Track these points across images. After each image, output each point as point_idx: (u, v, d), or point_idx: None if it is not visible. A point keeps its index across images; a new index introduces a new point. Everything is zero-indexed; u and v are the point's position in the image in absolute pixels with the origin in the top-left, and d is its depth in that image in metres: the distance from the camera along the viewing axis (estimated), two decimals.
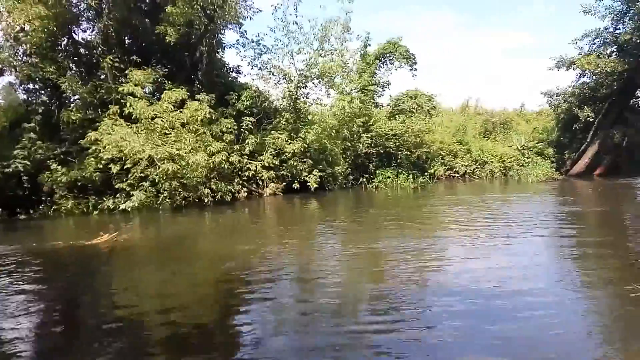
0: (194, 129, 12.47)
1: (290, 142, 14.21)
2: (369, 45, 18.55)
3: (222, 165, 12.65)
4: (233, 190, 13.43)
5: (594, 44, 17.54)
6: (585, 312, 3.84)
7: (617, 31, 17.07)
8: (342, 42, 16.32)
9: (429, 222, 9.24)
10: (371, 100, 18.11)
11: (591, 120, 16.70)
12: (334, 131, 15.68)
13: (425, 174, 17.75)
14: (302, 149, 14.42)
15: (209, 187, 12.50)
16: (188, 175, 11.77)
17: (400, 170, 17.33)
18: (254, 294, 4.72)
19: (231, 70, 16.94)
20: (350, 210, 12.56)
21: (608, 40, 17.03)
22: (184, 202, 12.24)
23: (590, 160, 16.86)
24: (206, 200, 12.30)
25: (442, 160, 18.64)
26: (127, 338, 3.74)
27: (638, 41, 16.06)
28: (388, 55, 18.79)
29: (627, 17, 16.41)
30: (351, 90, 17.92)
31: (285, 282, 5.17)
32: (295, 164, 14.55)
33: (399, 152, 17.50)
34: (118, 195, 11.91)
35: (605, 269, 4.98)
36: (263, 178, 14.06)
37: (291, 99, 15.29)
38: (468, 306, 3.92)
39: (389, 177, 17.15)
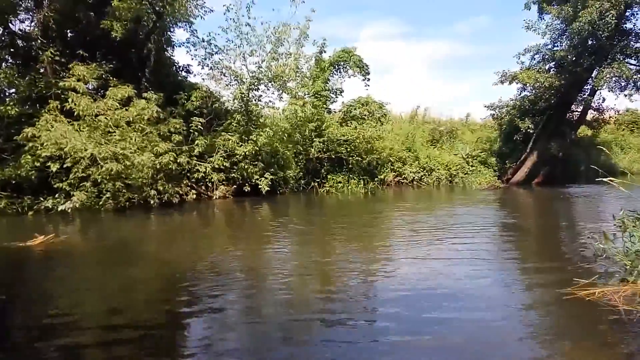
0: (140, 128, 12.01)
1: (242, 145, 14.00)
2: (325, 51, 18.69)
3: (170, 166, 12.26)
4: (181, 192, 13.07)
5: (534, 59, 18.53)
6: (522, 313, 3.97)
7: (555, 48, 18.12)
8: (297, 47, 16.34)
9: (379, 227, 9.37)
10: (324, 105, 18.23)
11: (531, 131, 17.60)
12: (286, 135, 15.60)
13: (376, 179, 18.05)
14: (254, 152, 14.24)
15: (155, 189, 12.08)
16: (133, 175, 11.32)
17: (351, 176, 17.53)
18: (198, 299, 4.57)
19: (181, 69, 16.54)
20: (301, 214, 12.53)
21: (547, 57, 18.03)
22: (127, 203, 11.74)
23: (529, 169, 17.77)
24: (152, 202, 11.88)
25: (392, 167, 19.00)
26: (59, 348, 3.50)
27: (573, 58, 17.10)
28: (342, 63, 18.99)
29: (564, 36, 17.45)
30: (304, 94, 17.96)
31: (231, 290, 4.94)
32: (246, 166, 14.34)
33: (350, 158, 17.69)
34: (57, 195, 11.25)
35: (541, 273, 5.24)
36: (213, 180, 13.76)
37: (243, 100, 15.07)
38: (411, 310, 4.01)
39: (340, 182, 17.30)
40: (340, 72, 19.47)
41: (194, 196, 13.40)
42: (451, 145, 21.02)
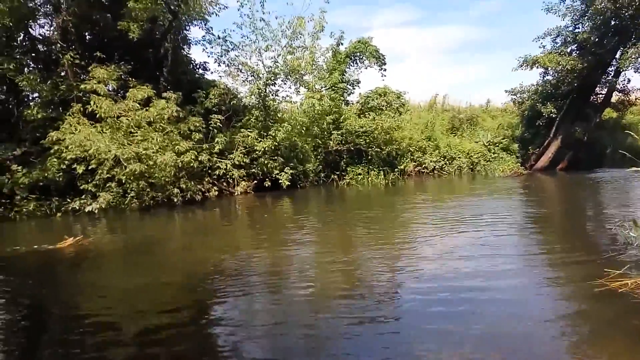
0: (160, 128, 12.15)
1: (261, 140, 14.04)
2: (342, 44, 18.55)
3: (191, 164, 12.39)
4: (203, 190, 13.21)
5: (556, 42, 18.08)
6: (553, 307, 3.89)
7: (577, 30, 17.64)
8: (313, 40, 16.27)
9: (400, 220, 9.29)
10: (341, 97, 18.10)
11: (554, 116, 17.22)
12: (304, 128, 15.58)
13: (396, 170, 17.91)
14: (273, 147, 14.28)
15: (178, 187, 12.22)
16: (156, 175, 11.46)
17: (371, 167, 17.44)
18: (227, 300, 4.61)
19: (198, 67, 16.62)
20: (322, 208, 12.53)
21: (569, 39, 17.57)
22: (152, 202, 11.90)
23: (553, 155, 17.40)
24: (175, 200, 12.03)
25: (412, 157, 18.84)
26: (96, 349, 3.57)
27: (596, 40, 16.64)
28: (359, 54, 18.81)
29: (586, 17, 16.96)
30: (321, 87, 17.88)
31: (256, 289, 4.98)
32: (266, 162, 14.40)
33: (369, 149, 17.58)
34: (83, 196, 11.49)
35: (571, 264, 5.12)
36: (234, 176, 13.85)
37: (260, 96, 15.10)
38: (438, 305, 3.98)
39: (359, 174, 17.23)
40: (356, 63, 19.28)
41: (216, 193, 13.48)
42: (472, 133, 20.71)
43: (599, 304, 3.78)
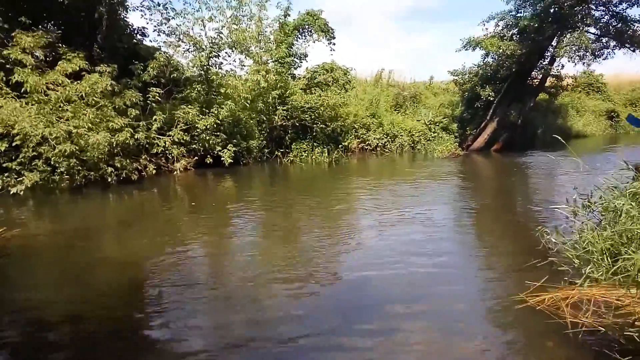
0: (93, 102, 11.42)
1: (202, 118, 13.57)
2: (289, 15, 18.02)
3: (127, 142, 11.81)
4: (140, 167, 12.69)
5: (499, 26, 18.48)
6: (468, 326, 4.10)
7: (519, 15, 18.09)
8: (260, 10, 15.74)
9: (344, 208, 9.45)
10: (288, 72, 17.75)
11: (491, 99, 17.84)
12: (248, 102, 15.23)
13: (340, 146, 18.04)
14: (215, 125, 13.86)
15: (112, 165, 11.66)
16: (88, 153, 10.84)
17: (315, 143, 17.42)
18: (169, 297, 4.59)
19: (136, 32, 15.62)
20: (265, 187, 12.55)
21: (510, 24, 18.02)
22: (84, 181, 11.29)
23: (489, 136, 18.15)
24: (109, 180, 11.49)
25: (356, 133, 19.00)
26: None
27: (535, 26, 17.17)
28: (307, 26, 18.39)
29: (528, 3, 17.41)
30: (267, 60, 17.42)
31: (196, 278, 5.11)
32: (207, 137, 14.00)
33: (315, 125, 17.50)
34: (7, 174, 10.69)
35: (492, 272, 5.45)
36: (173, 155, 13.39)
37: (202, 69, 14.51)
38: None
39: (304, 150, 17.19)
40: (305, 36, 18.89)
41: (154, 171, 13.01)
42: (414, 111, 21.11)
43: (515, 326, 3.98)
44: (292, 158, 16.62)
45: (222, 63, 15.14)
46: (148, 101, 13.01)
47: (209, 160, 14.18)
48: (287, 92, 17.31)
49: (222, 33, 14.53)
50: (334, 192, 11.19)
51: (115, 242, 7.26)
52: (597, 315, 3.80)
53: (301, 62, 19.15)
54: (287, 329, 3.95)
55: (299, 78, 18.83)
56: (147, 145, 13.08)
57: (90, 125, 10.79)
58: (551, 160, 12.97)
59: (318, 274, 5.27)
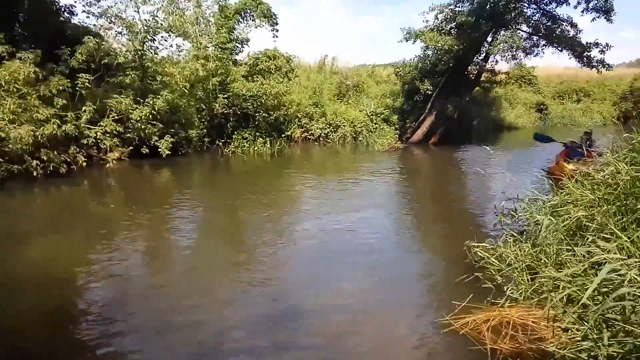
0: (15, 90, 10.57)
1: (137, 108, 12.91)
2: None
3: (54, 133, 11.05)
4: (69, 159, 11.93)
5: (438, 19, 18.84)
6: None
7: (457, 9, 18.52)
8: None
9: (287, 202, 9.48)
10: (229, 58, 17.23)
11: (430, 92, 18.30)
12: (186, 89, 14.68)
13: (283, 135, 17.90)
14: (151, 115, 13.23)
15: (38, 158, 10.90)
16: (10, 145, 10.07)
17: (258, 133, 17.13)
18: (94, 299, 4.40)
19: (63, 10, 14.50)
20: (207, 183, 12.25)
21: (449, 18, 18.43)
22: (6, 174, 10.48)
23: (427, 129, 18.67)
24: (35, 173, 10.75)
25: (299, 123, 18.91)
26: None
27: (472, 21, 17.67)
28: (249, 11, 17.87)
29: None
30: (207, 44, 16.81)
31: (132, 281, 4.91)
32: (143, 127, 13.36)
33: (257, 114, 17.19)
34: None
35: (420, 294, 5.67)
36: (105, 146, 12.69)
37: (137, 54, 13.76)
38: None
39: (246, 139, 16.87)
40: (246, 20, 18.38)
41: (84, 163, 12.25)
42: (357, 100, 21.26)
43: (439, 354, 4.12)
44: (233, 149, 16.26)
45: (158, 48, 14.43)
46: (77, 88, 12.18)
47: (145, 150, 13.56)
48: (228, 78, 16.87)
49: (157, 16, 13.80)
50: (276, 189, 11.17)
51: (36, 247, 6.76)
52: (515, 340, 4.04)
53: (242, 48, 18.72)
54: (226, 337, 4.01)
55: (241, 64, 18.35)
56: (77, 135, 12.32)
57: (11, 116, 9.99)
58: (484, 156, 13.58)
59: (246, 279, 5.36)
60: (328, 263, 6.16)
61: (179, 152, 14.72)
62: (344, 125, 19.54)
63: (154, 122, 13.63)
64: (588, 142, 10.83)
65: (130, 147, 13.68)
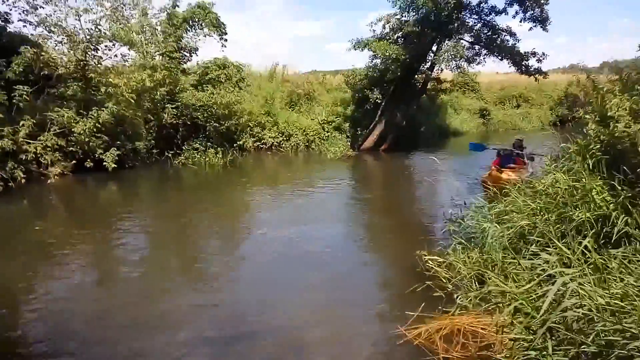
0: None
1: (79, 121, 12.36)
2: (178, 6, 17.06)
3: None
4: (6, 176, 11.24)
5: (385, 28, 19.30)
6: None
7: (404, 19, 19.05)
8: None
9: (239, 215, 9.37)
10: (177, 67, 16.85)
11: (379, 101, 18.70)
12: (133, 99, 14.21)
13: (235, 145, 17.70)
14: (95, 129, 12.69)
15: None
16: None
17: (210, 143, 16.82)
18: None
19: None
20: (154, 198, 11.89)
21: (396, 27, 18.93)
22: None
23: (377, 136, 19.05)
24: None
25: (251, 132, 18.76)
26: None
27: (417, 31, 18.24)
28: (197, 20, 17.60)
29: (412, 8, 18.37)
30: (155, 53, 16.37)
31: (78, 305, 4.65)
32: (87, 139, 12.80)
33: (208, 124, 16.89)
34: None
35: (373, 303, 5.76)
36: (46, 162, 12.06)
37: (79, 64, 13.19)
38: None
39: (197, 150, 16.54)
40: (195, 29, 18.09)
41: (23, 180, 11.57)
42: (309, 108, 21.35)
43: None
44: (183, 160, 15.90)
45: (101, 58, 13.89)
46: (14, 101, 11.52)
47: (89, 164, 13.01)
48: (177, 88, 16.51)
49: (100, 25, 13.31)
50: (228, 201, 11.05)
51: None
52: (465, 349, 4.19)
53: (191, 57, 18.41)
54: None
55: (190, 73, 18.00)
56: (14, 150, 11.63)
57: None
58: (432, 163, 13.92)
59: (196, 300, 5.32)
60: (280, 278, 6.16)
61: (126, 165, 14.21)
62: (296, 134, 19.56)
63: (99, 135, 13.11)
64: (520, 149, 11.06)
65: (74, 162, 13.06)
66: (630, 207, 4.14)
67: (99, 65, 13.82)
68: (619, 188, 4.41)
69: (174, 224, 8.95)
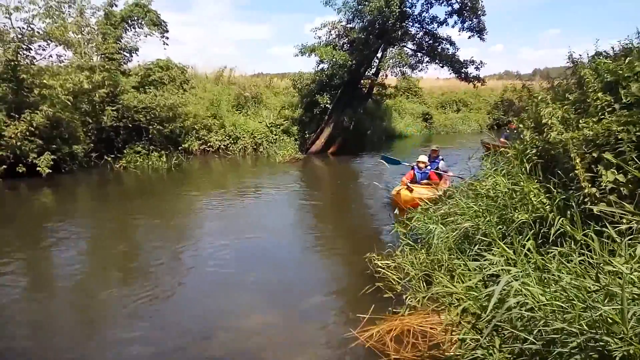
0: None
1: (11, 123, 11.60)
2: (116, 5, 16.39)
3: None
4: None
5: (332, 34, 19.53)
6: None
7: (350, 25, 19.35)
8: None
9: (186, 218, 9.11)
10: (117, 69, 16.18)
11: (328, 106, 18.86)
12: (70, 101, 13.49)
13: (180, 148, 17.25)
14: (28, 132, 11.97)
15: None
16: None
17: (153, 146, 16.29)
18: None
19: None
20: (91, 205, 11.31)
21: (341, 33, 19.21)
22: None
23: (325, 139, 19.21)
24: None
25: (197, 135, 18.35)
26: None
27: (363, 38, 18.57)
28: (136, 19, 16.99)
29: (357, 16, 18.70)
30: (92, 54, 15.64)
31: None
32: (18, 143, 12.04)
33: (150, 127, 16.34)
34: None
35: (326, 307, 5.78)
36: None
37: (9, 65, 12.36)
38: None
39: (139, 153, 15.98)
40: (134, 28, 17.47)
41: None
42: (256, 112, 21.17)
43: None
44: (125, 164, 15.28)
45: (35, 58, 13.09)
46: None
47: (21, 169, 12.27)
48: (117, 90, 15.86)
49: (33, 24, 12.55)
50: (172, 208, 10.66)
51: None
52: (416, 349, 4.29)
53: (131, 57, 17.78)
54: None
55: (131, 75, 17.35)
56: None
57: None
58: (378, 165, 14.17)
59: (135, 314, 5.09)
60: (229, 286, 6.00)
61: (63, 170, 13.50)
62: (243, 137, 19.37)
63: (32, 139, 12.37)
64: (435, 161, 10.78)
65: (4, 167, 12.26)
66: (564, 208, 4.43)
67: (32, 66, 12.99)
68: (554, 191, 4.71)
69: (114, 231, 8.57)
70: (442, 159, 11.10)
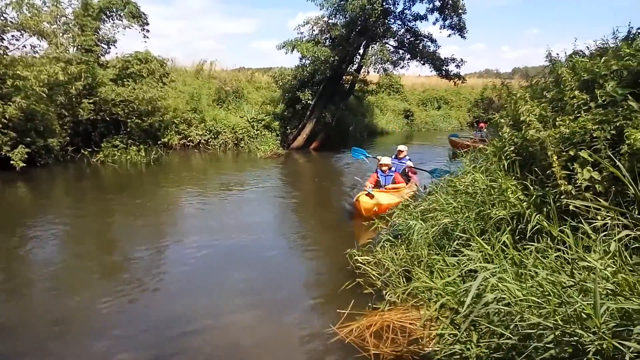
0: None
1: None
2: None
3: None
4: None
5: (314, 30, 19.45)
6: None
7: (332, 21, 19.30)
8: None
9: (166, 215, 8.99)
10: (95, 61, 15.84)
11: (310, 102, 18.81)
12: (45, 94, 13.15)
13: (159, 142, 17.01)
14: (2, 123, 11.65)
15: None
16: None
17: (131, 140, 16.01)
18: None
19: None
20: (70, 197, 11.09)
21: (324, 29, 19.14)
22: None
23: (307, 135, 19.19)
24: None
25: (177, 129, 18.11)
26: None
27: (344, 34, 18.55)
28: (115, 10, 16.64)
29: (339, 13, 18.67)
30: (69, 45, 15.26)
31: None
32: None
33: (129, 120, 16.04)
34: None
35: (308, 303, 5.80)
36: None
37: None
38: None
39: (117, 147, 15.70)
40: (113, 20, 17.12)
41: None
42: (237, 106, 21.00)
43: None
44: (102, 158, 15.00)
45: (7, 48, 12.70)
46: None
47: None
48: (95, 82, 15.53)
49: (6, 13, 12.18)
50: (151, 203, 10.49)
51: None
52: (395, 344, 4.32)
53: (109, 49, 17.41)
54: None
55: (108, 67, 16.99)
56: None
57: None
58: (360, 161, 14.21)
59: (116, 316, 4.98)
60: (209, 282, 5.96)
61: (38, 164, 13.22)
62: (224, 132, 19.19)
63: (5, 131, 12.04)
64: (402, 162, 10.29)
65: None
66: (541, 204, 4.50)
67: (4, 56, 12.61)
68: (531, 187, 4.78)
69: (90, 228, 8.40)
70: (409, 159, 10.57)
